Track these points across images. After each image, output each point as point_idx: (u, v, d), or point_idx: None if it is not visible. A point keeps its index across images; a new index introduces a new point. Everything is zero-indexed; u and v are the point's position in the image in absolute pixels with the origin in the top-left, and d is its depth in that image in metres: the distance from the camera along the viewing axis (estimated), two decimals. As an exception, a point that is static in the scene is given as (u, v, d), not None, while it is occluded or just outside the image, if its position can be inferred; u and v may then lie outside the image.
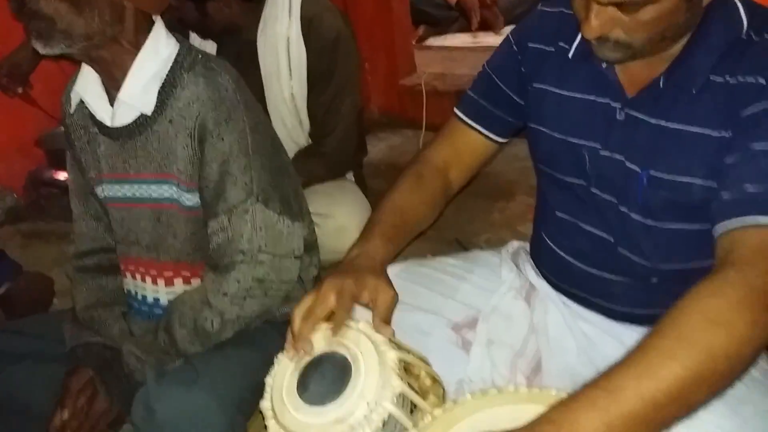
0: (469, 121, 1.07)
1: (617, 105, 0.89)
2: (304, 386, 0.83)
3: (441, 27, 3.62)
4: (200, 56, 1.11)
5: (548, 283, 1.05)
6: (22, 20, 1.03)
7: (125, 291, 1.27)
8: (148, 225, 1.18)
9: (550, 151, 0.98)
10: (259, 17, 1.61)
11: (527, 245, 1.17)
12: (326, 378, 0.83)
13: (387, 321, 0.88)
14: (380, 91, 2.79)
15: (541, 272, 1.07)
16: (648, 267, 0.92)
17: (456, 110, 1.10)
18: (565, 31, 0.94)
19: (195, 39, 1.64)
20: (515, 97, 1.03)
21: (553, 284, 1.05)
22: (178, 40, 1.12)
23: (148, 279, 1.22)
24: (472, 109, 1.08)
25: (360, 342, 0.85)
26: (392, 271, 0.99)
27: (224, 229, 1.09)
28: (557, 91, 0.95)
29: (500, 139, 1.08)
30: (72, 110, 1.19)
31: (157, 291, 1.22)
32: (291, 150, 1.67)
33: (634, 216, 0.89)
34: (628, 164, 0.88)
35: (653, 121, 0.85)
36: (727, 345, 0.66)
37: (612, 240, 0.94)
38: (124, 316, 1.24)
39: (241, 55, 1.59)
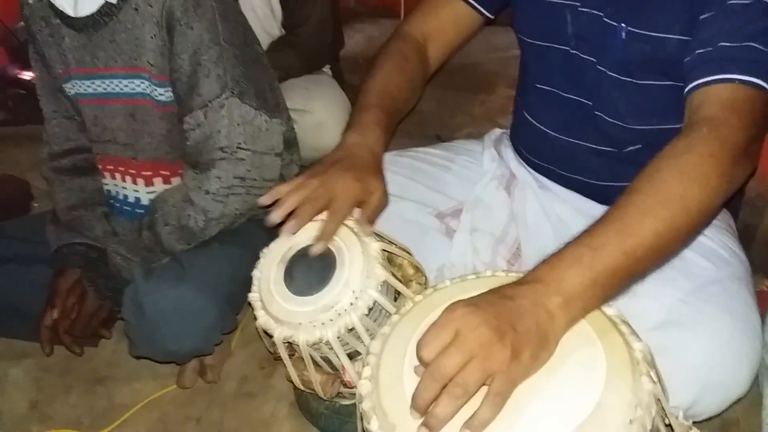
0: None
1: None
2: (290, 277, 0.85)
3: None
4: None
5: (528, 165, 1.08)
6: None
7: (105, 191, 1.26)
8: (123, 122, 1.15)
9: (532, 16, 0.98)
10: None
11: (508, 132, 1.18)
12: (312, 269, 0.85)
13: (371, 221, 0.89)
14: (355, -23, 2.65)
15: (520, 153, 1.10)
16: (624, 129, 0.94)
17: None
18: None
19: None
20: None
21: (532, 164, 1.07)
22: None
23: (128, 178, 1.21)
24: None
25: (343, 234, 0.87)
26: None
27: (201, 125, 1.07)
28: None
29: (485, 12, 1.07)
30: (30, 0, 1.12)
31: (138, 191, 1.21)
32: (264, 42, 1.61)
33: (611, 74, 0.91)
34: (605, 19, 0.88)
35: None
36: (701, 198, 0.70)
37: (590, 103, 0.96)
38: (106, 217, 1.24)
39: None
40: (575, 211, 1.03)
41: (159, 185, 1.19)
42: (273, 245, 0.90)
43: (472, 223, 1.02)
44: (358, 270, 0.83)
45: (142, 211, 1.20)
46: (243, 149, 1.09)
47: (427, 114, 1.99)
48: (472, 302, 0.65)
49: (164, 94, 1.10)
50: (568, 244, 0.69)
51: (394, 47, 1.05)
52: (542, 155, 1.06)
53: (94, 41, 1.09)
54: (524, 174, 1.08)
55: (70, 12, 1.08)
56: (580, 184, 1.03)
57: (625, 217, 0.69)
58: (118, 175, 1.22)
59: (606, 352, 0.66)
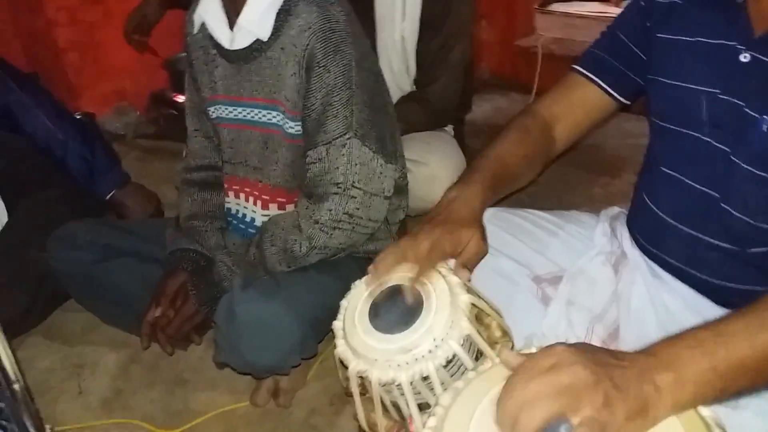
0: (590, 74, 1.05)
1: (742, 47, 0.84)
2: (375, 313, 0.85)
3: (567, -7, 3.49)
4: None
5: (641, 251, 1.02)
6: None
7: (226, 209, 1.34)
8: (256, 148, 1.24)
9: (667, 100, 0.95)
10: None
11: (627, 213, 1.13)
12: (398, 308, 0.85)
13: (469, 266, 0.87)
14: (494, 51, 2.72)
15: (635, 238, 1.04)
16: (751, 228, 0.88)
17: (575, 66, 1.07)
18: None
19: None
20: (638, 52, 1.00)
21: (647, 251, 1.01)
22: None
23: (250, 199, 1.28)
24: (593, 64, 1.05)
25: (435, 280, 0.86)
26: (485, 214, 0.98)
27: (321, 159, 1.13)
28: (681, 38, 0.92)
29: (618, 97, 1.05)
30: (194, 31, 1.25)
31: (255, 212, 1.28)
32: (395, 95, 1.67)
33: (745, 166, 0.85)
34: (746, 110, 0.83)
35: None
36: None
37: (717, 195, 0.90)
38: (221, 231, 1.32)
39: (358, -6, 1.60)
40: (685, 304, 0.95)
41: (274, 210, 1.26)
42: (365, 278, 0.91)
43: (570, 294, 0.97)
44: (443, 318, 0.81)
45: (253, 231, 1.27)
46: (356, 188, 1.13)
47: (545, 186, 1.96)
48: (576, 345, 0.62)
49: (294, 127, 1.17)
50: (691, 328, 0.64)
51: (519, 121, 1.06)
52: (658, 243, 1.00)
53: (243, 72, 1.19)
54: (636, 256, 1.02)
55: (226, 45, 1.19)
56: (694, 279, 0.96)
57: (759, 314, 0.64)
58: (242, 195, 1.30)
59: (697, 456, 0.60)
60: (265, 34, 1.13)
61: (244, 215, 1.30)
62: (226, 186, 1.33)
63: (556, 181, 1.98)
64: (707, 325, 0.64)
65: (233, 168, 1.29)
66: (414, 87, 1.71)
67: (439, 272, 0.87)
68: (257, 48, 1.15)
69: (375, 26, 1.63)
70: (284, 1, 1.11)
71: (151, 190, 1.82)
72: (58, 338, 1.48)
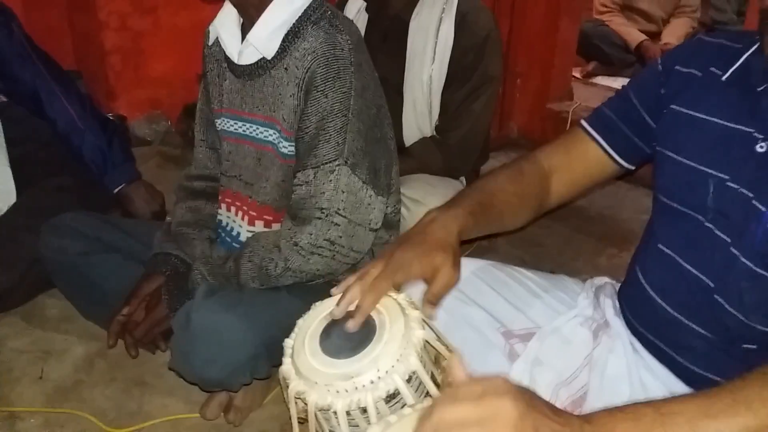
0: (593, 132, 1.03)
1: (761, 136, 0.80)
2: (327, 335, 0.83)
3: (614, 68, 3.50)
4: (329, 12, 1.14)
5: (626, 324, 0.97)
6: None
7: (217, 220, 1.35)
8: (251, 163, 1.24)
9: (673, 177, 0.91)
10: (417, 1, 1.63)
11: (616, 284, 1.08)
12: (350, 334, 0.82)
13: (436, 298, 0.85)
14: (525, 110, 2.72)
15: (623, 311, 0.99)
16: (742, 324, 0.83)
17: (582, 122, 1.05)
18: (721, 58, 0.88)
19: (352, 7, 1.69)
20: (647, 118, 0.97)
21: (631, 325, 0.97)
22: None
23: (239, 213, 1.29)
24: (599, 122, 1.03)
25: (393, 312, 0.83)
26: (469, 267, 0.96)
27: (308, 182, 1.12)
28: (696, 114, 0.89)
29: (619, 160, 1.02)
30: (210, 43, 1.28)
31: (241, 227, 1.28)
32: (414, 137, 1.67)
33: (744, 261, 0.80)
34: (754, 202, 0.79)
35: None
36: None
37: (711, 285, 0.85)
38: (210, 242, 1.31)
39: (391, 32, 1.63)
40: (664, 387, 0.90)
41: (259, 227, 1.25)
42: (327, 300, 0.89)
43: (540, 353, 0.92)
44: (391, 351, 0.78)
45: (238, 245, 1.27)
46: (340, 215, 1.11)
47: (550, 248, 1.93)
48: (518, 388, 0.60)
49: (288, 147, 1.17)
50: (636, 402, 0.62)
51: (516, 162, 1.04)
52: (643, 320, 0.95)
53: (247, 88, 1.21)
54: (619, 326, 0.97)
55: (234, 59, 1.21)
56: (675, 363, 0.91)
57: (714, 398, 0.61)
58: (232, 209, 1.30)
59: None
60: (270, 53, 1.14)
61: (232, 228, 1.30)
62: (219, 198, 1.34)
63: (563, 246, 1.95)
64: (655, 401, 0.62)
65: (228, 181, 1.30)
66: (434, 132, 1.70)
67: (399, 304, 0.85)
68: (263, 65, 1.17)
69: (405, 65, 1.64)
70: (294, 24, 1.13)
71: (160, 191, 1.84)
72: (34, 322, 1.49)
